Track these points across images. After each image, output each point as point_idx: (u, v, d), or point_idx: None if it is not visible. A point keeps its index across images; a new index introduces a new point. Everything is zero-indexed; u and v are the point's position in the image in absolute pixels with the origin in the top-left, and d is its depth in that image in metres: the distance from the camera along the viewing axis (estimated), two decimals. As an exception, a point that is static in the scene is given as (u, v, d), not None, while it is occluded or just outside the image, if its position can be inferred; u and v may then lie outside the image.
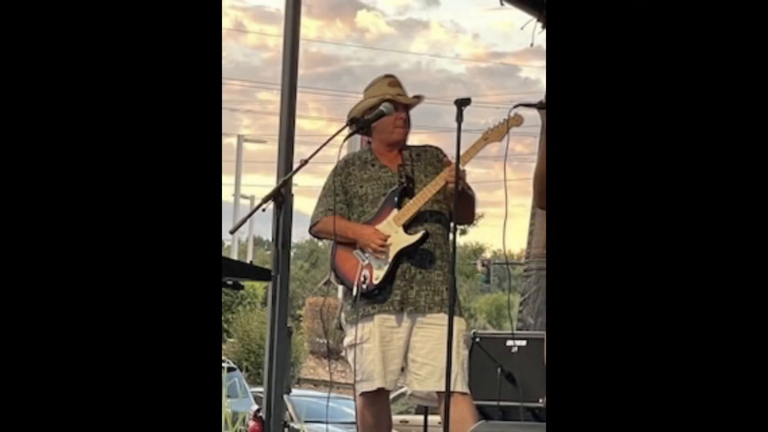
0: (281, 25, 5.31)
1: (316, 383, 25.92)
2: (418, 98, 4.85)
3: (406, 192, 4.71)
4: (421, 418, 6.56)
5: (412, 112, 4.86)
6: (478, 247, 43.30)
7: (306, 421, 11.94)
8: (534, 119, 4.51)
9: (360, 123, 4.75)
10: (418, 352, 4.63)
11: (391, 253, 4.63)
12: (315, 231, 4.85)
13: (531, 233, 8.04)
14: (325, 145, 4.58)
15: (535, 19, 7.04)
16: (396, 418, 11.55)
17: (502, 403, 5.72)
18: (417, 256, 4.66)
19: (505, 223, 4.52)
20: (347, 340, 4.71)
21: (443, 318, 4.48)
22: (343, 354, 4.89)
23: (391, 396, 4.94)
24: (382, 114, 4.70)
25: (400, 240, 4.64)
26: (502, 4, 6.93)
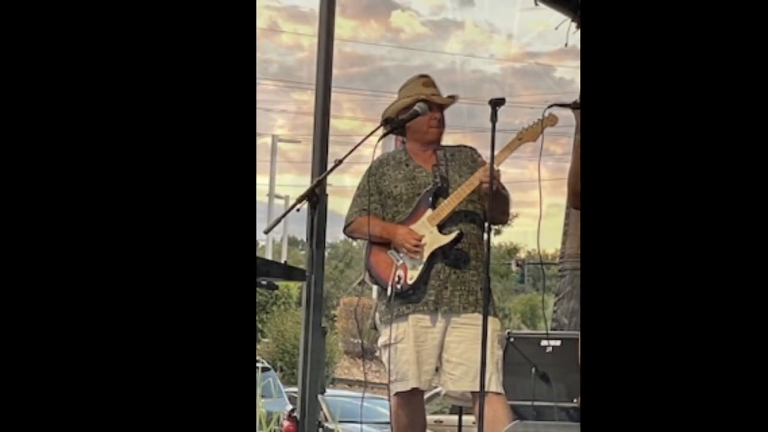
0: (315, 25, 5.32)
1: (350, 383, 25.95)
2: (453, 98, 4.84)
3: (441, 192, 4.70)
4: (455, 418, 6.56)
5: (447, 112, 4.86)
6: (512, 247, 43.18)
7: (340, 421, 11.93)
8: (568, 119, 4.49)
9: (394, 123, 4.75)
10: (453, 352, 4.62)
11: (426, 253, 4.62)
12: (349, 231, 4.85)
13: (565, 233, 8.04)
14: (359, 145, 4.59)
15: (569, 19, 7.04)
16: (430, 418, 11.48)
17: (536, 403, 5.72)
18: (451, 256, 4.65)
19: (540, 223, 4.51)
20: (381, 340, 4.70)
21: (477, 318, 4.47)
22: (377, 354, 4.89)
23: (426, 396, 4.94)
24: (416, 114, 4.70)
25: (435, 240, 4.63)
26: (536, 4, 6.93)
